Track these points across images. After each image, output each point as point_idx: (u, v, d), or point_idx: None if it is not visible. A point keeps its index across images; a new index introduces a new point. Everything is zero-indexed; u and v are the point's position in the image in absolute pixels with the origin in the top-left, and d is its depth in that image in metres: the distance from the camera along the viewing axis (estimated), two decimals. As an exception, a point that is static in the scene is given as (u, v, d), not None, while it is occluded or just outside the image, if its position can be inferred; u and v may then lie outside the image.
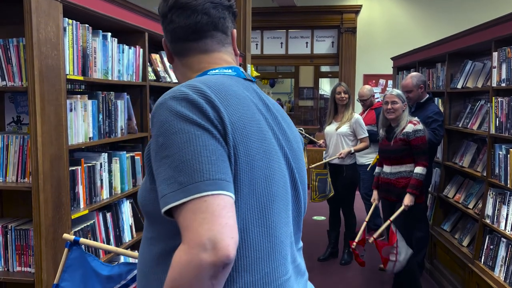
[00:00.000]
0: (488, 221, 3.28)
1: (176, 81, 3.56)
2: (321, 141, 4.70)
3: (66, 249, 1.72)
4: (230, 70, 1.15)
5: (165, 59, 3.57)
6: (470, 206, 3.74)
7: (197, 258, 0.85)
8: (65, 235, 1.76)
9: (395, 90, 3.59)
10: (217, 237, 0.86)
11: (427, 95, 4.10)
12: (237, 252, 0.91)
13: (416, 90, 4.01)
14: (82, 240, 1.74)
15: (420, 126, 3.45)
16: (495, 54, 3.21)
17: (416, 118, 3.53)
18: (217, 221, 0.88)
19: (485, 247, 3.32)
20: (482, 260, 3.31)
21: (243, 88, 1.10)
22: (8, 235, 2.20)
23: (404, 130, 3.44)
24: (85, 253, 1.75)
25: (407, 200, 3.39)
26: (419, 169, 3.38)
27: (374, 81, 8.40)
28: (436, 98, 4.65)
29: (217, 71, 1.14)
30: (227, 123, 0.98)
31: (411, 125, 3.44)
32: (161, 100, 0.99)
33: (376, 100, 6.22)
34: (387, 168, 3.56)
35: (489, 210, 3.29)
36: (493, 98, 3.21)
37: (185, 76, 1.18)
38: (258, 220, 1.02)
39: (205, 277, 0.86)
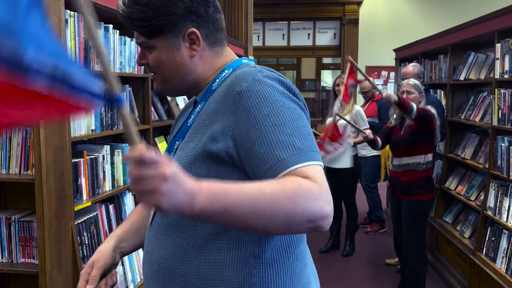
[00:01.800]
0: (490, 213, 3.28)
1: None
2: (322, 134, 4.69)
3: None
4: (253, 62, 1.20)
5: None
6: (472, 198, 3.75)
7: (324, 202, 0.90)
8: None
9: (412, 80, 3.45)
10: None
11: (424, 86, 4.06)
12: None
13: (416, 79, 3.97)
14: None
15: (431, 108, 3.26)
16: (498, 45, 3.19)
17: (430, 106, 3.34)
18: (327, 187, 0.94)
19: (486, 239, 3.32)
20: (484, 252, 3.32)
21: None
22: (11, 227, 2.21)
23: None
24: None
25: (388, 92, 3.21)
26: (415, 106, 3.15)
27: (376, 72, 8.38)
28: (438, 90, 4.64)
29: (246, 61, 1.19)
30: (305, 108, 1.09)
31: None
32: (254, 77, 1.03)
33: (377, 92, 6.22)
34: (396, 161, 3.43)
35: (491, 202, 3.29)
36: (496, 89, 3.20)
37: (212, 65, 1.17)
38: None
39: (308, 217, 0.89)
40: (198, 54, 1.13)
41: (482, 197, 3.50)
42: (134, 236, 1.27)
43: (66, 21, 2.21)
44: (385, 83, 8.45)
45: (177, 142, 1.16)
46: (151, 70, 1.17)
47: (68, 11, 2.24)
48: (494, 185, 3.27)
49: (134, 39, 3.06)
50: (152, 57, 1.13)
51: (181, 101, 3.72)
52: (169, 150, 1.18)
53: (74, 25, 2.29)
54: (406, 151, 3.33)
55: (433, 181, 3.50)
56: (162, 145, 3.44)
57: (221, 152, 1.02)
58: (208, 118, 1.08)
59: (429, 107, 3.29)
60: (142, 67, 3.05)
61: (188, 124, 1.15)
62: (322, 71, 12.11)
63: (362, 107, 4.90)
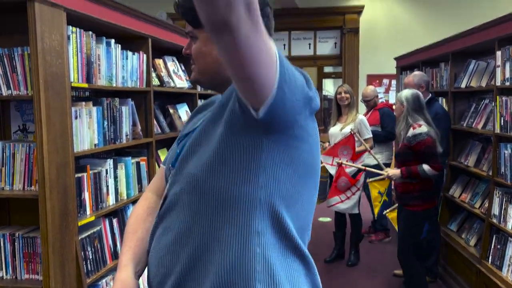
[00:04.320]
0: (494, 220, 3.27)
1: (181, 85, 3.57)
2: (326, 144, 4.68)
3: None
4: None
5: (169, 64, 3.58)
6: (477, 205, 3.73)
7: None
8: None
9: (401, 92, 3.50)
10: None
11: (430, 95, 4.06)
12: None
13: (417, 89, 3.96)
14: None
15: (420, 130, 3.22)
16: (498, 53, 3.20)
17: (419, 122, 3.29)
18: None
19: (492, 247, 3.30)
20: (490, 260, 3.30)
21: None
22: (15, 243, 2.21)
23: (407, 135, 3.29)
24: None
25: (392, 172, 3.48)
26: (425, 166, 3.20)
27: (377, 81, 8.39)
28: (440, 98, 4.64)
29: None
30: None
31: (411, 129, 3.26)
32: None
33: (380, 101, 6.22)
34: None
35: (495, 210, 3.28)
36: (498, 97, 3.21)
37: None
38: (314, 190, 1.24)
39: None
40: None
41: (486, 205, 3.49)
42: (146, 256, 1.22)
43: (68, 37, 2.23)
44: (387, 91, 8.45)
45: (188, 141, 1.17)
46: (192, 61, 1.22)
47: (70, 27, 2.26)
48: (498, 193, 3.26)
49: (136, 53, 3.09)
50: (194, 47, 1.19)
51: (184, 114, 3.73)
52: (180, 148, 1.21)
53: (76, 41, 2.31)
54: (401, 163, 3.40)
55: (434, 192, 3.45)
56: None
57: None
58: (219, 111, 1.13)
59: (419, 130, 3.23)
60: (144, 80, 3.06)
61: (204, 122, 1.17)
62: (323, 80, 12.13)
63: (365, 116, 4.90)
